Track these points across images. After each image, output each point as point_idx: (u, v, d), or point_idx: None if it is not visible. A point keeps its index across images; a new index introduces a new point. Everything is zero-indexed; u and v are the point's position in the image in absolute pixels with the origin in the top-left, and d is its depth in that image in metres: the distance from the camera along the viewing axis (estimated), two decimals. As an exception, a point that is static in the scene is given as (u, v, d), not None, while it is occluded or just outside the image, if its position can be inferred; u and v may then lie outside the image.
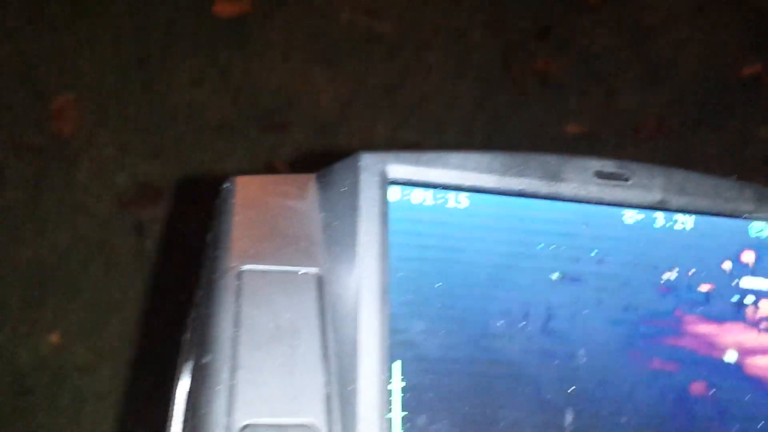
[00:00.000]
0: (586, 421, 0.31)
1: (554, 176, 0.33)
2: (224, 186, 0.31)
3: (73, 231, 0.98)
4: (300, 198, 0.32)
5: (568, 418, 0.31)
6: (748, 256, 0.36)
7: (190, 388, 0.27)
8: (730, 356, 0.34)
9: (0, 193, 0.98)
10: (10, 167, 1.00)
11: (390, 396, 0.28)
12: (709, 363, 0.34)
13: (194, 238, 0.38)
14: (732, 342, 0.35)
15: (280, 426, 0.25)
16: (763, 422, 0.34)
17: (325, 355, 0.27)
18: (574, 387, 0.31)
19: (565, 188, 0.34)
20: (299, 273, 0.29)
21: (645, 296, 0.34)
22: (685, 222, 0.35)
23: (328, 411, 0.26)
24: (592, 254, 0.34)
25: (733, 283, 0.35)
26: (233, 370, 0.26)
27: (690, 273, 0.35)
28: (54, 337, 0.92)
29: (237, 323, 0.27)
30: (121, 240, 0.98)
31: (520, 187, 0.33)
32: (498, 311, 0.32)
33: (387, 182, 0.32)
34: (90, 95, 1.05)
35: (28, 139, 1.01)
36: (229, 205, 0.30)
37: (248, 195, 0.31)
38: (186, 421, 0.27)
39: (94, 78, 1.06)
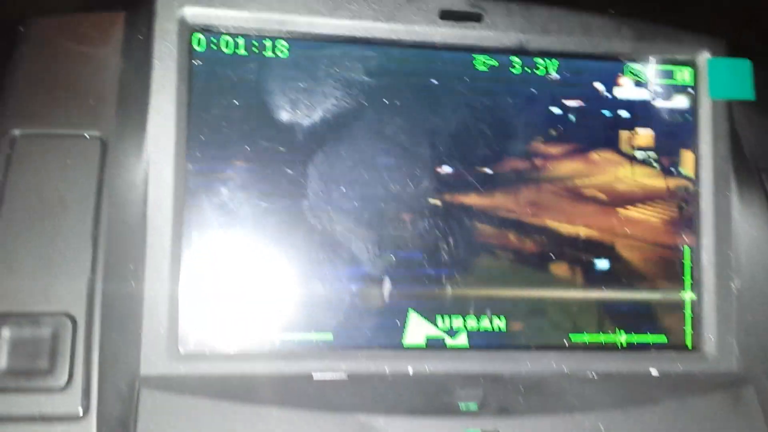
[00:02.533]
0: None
1: (391, 17, 0.29)
2: (19, 29, 0.27)
3: None
4: (102, 42, 0.27)
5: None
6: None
7: None
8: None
9: None
10: None
11: (177, 284, 0.26)
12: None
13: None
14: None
15: (33, 315, 0.23)
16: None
17: (96, 237, 0.24)
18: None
19: (405, 32, 0.29)
20: (82, 137, 0.25)
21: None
22: (546, 66, 0.31)
23: (90, 301, 0.23)
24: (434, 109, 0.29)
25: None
26: None
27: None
28: None
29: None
30: None
31: (351, 32, 0.29)
32: (316, 185, 0.28)
33: (188, 29, 0.27)
34: None
35: None
36: (17, 54, 0.27)
37: (42, 41, 0.27)
38: None
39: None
